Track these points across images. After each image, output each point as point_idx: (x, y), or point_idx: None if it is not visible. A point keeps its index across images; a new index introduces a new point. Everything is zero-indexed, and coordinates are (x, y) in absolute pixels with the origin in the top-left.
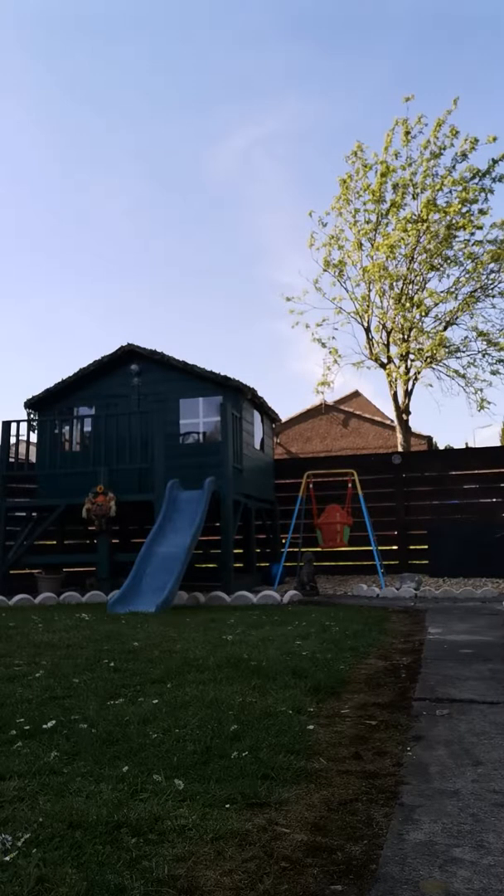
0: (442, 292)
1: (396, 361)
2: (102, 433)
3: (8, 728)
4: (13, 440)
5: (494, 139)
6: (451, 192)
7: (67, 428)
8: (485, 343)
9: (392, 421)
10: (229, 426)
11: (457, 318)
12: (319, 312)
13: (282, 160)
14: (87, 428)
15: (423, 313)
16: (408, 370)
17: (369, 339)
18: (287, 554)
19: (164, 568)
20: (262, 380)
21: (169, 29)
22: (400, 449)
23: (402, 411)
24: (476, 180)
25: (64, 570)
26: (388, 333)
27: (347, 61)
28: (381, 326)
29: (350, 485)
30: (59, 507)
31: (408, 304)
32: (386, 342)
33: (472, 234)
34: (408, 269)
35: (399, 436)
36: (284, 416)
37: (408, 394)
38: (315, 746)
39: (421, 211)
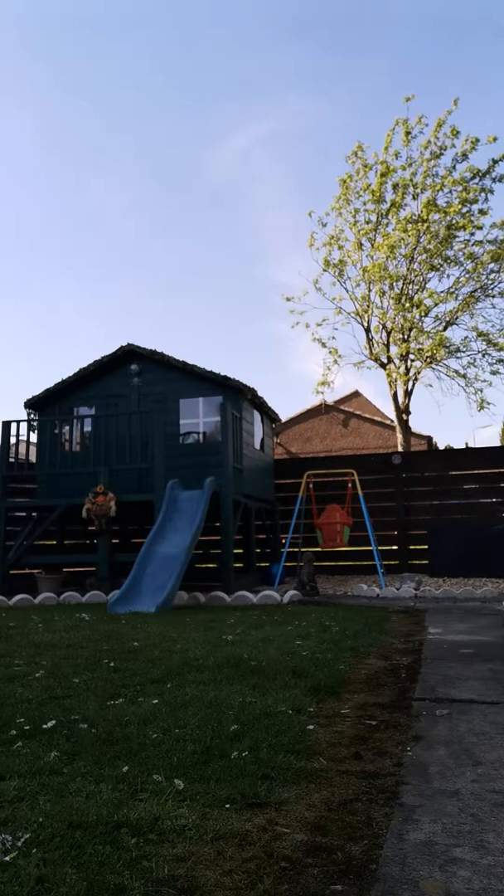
0: (442, 292)
1: (396, 361)
2: (102, 433)
3: (8, 728)
4: (13, 440)
5: (495, 139)
6: (451, 192)
7: (67, 428)
8: (485, 343)
9: (392, 421)
10: (229, 426)
11: (457, 318)
12: (319, 312)
13: (282, 160)
14: (87, 428)
15: (423, 313)
16: (408, 370)
17: (369, 339)
18: (287, 554)
19: (164, 568)
20: (262, 380)
21: (169, 29)
22: (400, 449)
23: (402, 411)
24: (476, 180)
25: (64, 570)
26: (388, 333)
27: (347, 61)
28: (381, 326)
29: (350, 485)
30: (59, 507)
31: (408, 305)
32: (386, 342)
33: (472, 234)
34: (408, 269)
35: (399, 436)
36: (284, 416)
37: (408, 394)
38: (315, 746)
39: (421, 211)
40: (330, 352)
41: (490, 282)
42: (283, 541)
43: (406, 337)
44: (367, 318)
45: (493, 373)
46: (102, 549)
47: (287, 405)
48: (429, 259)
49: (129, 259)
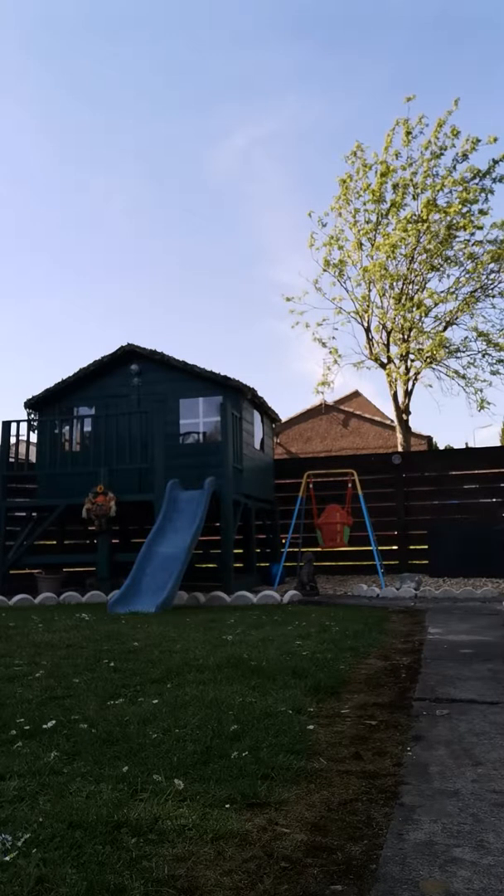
0: (442, 292)
1: (396, 361)
2: (102, 433)
3: (8, 728)
4: (13, 440)
5: (495, 140)
6: (451, 192)
7: (67, 428)
8: (485, 343)
9: (392, 421)
10: (229, 426)
11: (457, 318)
12: (319, 312)
13: (282, 160)
14: (87, 428)
15: (424, 313)
16: (408, 370)
17: (369, 339)
18: (287, 554)
19: (164, 568)
20: (262, 380)
21: (169, 29)
22: (400, 449)
23: (402, 411)
24: (476, 180)
25: (64, 570)
26: (388, 333)
27: (347, 61)
28: (381, 326)
29: (350, 485)
30: (59, 507)
31: (408, 304)
32: (386, 342)
33: (473, 234)
34: (408, 269)
35: (399, 436)
36: (284, 416)
37: (408, 394)
38: (315, 746)
39: (421, 211)
40: (330, 352)
41: (490, 282)
42: (283, 541)
43: (406, 337)
44: (367, 318)
45: (493, 373)
46: (102, 549)
47: (287, 405)
48: (429, 259)
49: (129, 259)
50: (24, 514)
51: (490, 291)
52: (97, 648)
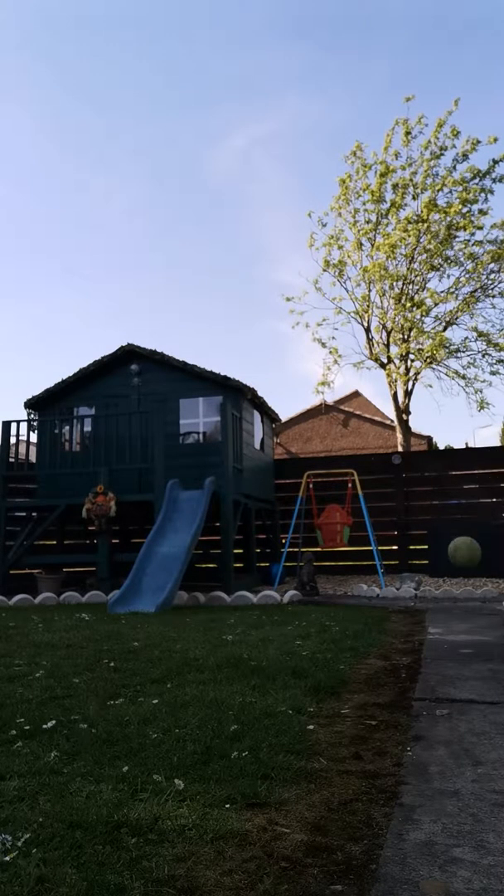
0: (442, 292)
1: (396, 361)
2: (102, 433)
3: (8, 728)
4: (13, 440)
5: (495, 140)
6: (451, 192)
7: (67, 428)
8: (485, 343)
9: (392, 421)
10: (229, 426)
11: (457, 318)
12: (319, 312)
13: (282, 160)
14: (87, 428)
15: (424, 313)
16: (408, 370)
17: (369, 339)
18: (287, 554)
19: (164, 568)
20: (262, 380)
21: (169, 29)
22: (400, 449)
23: (402, 411)
24: (476, 181)
25: (64, 570)
26: (388, 333)
27: (347, 61)
28: (381, 326)
29: (350, 485)
30: (59, 507)
31: (408, 304)
32: (386, 342)
33: (473, 234)
34: (408, 269)
35: (399, 436)
36: (284, 416)
37: (408, 394)
38: (315, 746)
39: (421, 211)
40: (330, 352)
41: (490, 282)
42: (283, 541)
43: (406, 337)
44: (367, 318)
45: (493, 373)
46: (102, 549)
47: (287, 405)
48: (429, 259)
49: (129, 259)
50: (24, 514)
51: (490, 291)
52: (97, 648)
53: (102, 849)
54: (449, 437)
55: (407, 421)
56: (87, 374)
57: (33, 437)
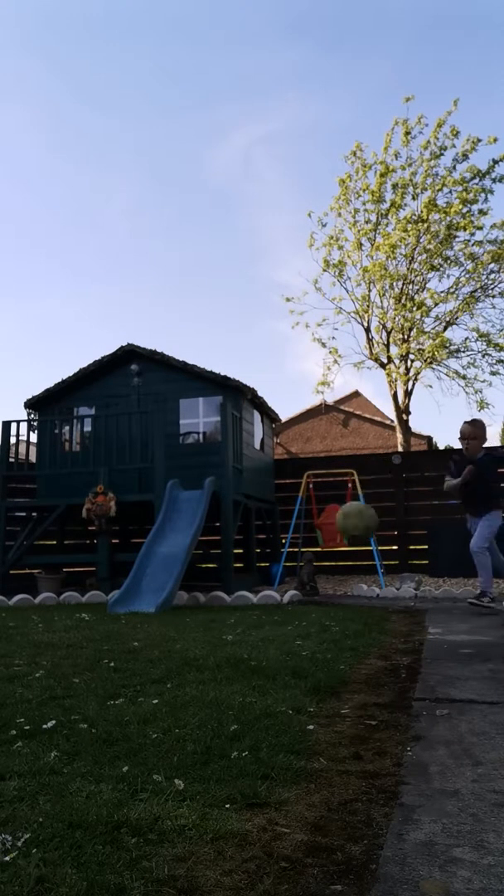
0: (442, 292)
1: (396, 362)
2: (102, 433)
3: (8, 728)
4: (13, 440)
5: (495, 140)
6: (451, 192)
7: (67, 428)
8: (485, 343)
9: (392, 421)
10: (229, 426)
11: (457, 318)
12: (319, 312)
13: (282, 160)
14: (87, 428)
15: (424, 313)
16: (408, 370)
17: (369, 339)
18: (287, 554)
19: (164, 568)
20: (262, 380)
21: (169, 29)
22: (400, 449)
23: (402, 411)
24: (476, 181)
25: (64, 570)
26: (389, 333)
27: (347, 61)
28: (381, 326)
29: (350, 485)
30: (59, 507)
31: (408, 305)
32: (386, 342)
33: (473, 234)
34: (408, 269)
35: (399, 436)
36: (284, 416)
37: (408, 394)
38: (315, 746)
39: (421, 211)
40: (330, 352)
41: (490, 282)
42: (283, 541)
43: (406, 337)
44: (367, 318)
45: (493, 373)
46: (102, 549)
47: (287, 405)
48: (429, 259)
49: (129, 259)
50: (24, 514)
51: (490, 291)
52: (97, 648)
53: (102, 849)
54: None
55: (407, 421)
56: (87, 374)
57: (33, 437)
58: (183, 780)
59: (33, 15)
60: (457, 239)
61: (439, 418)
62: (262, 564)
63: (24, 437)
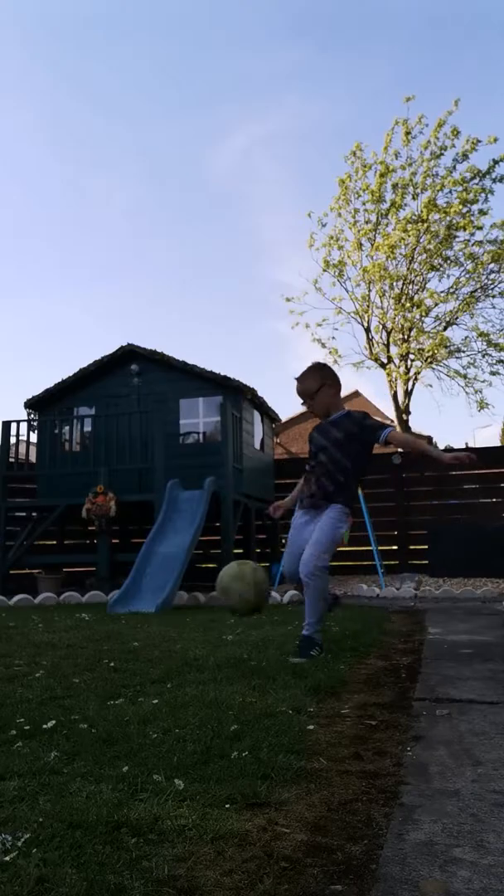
0: (442, 292)
1: (396, 361)
2: (102, 433)
3: (8, 728)
4: (13, 440)
5: (495, 140)
6: (451, 192)
7: (67, 428)
8: (485, 343)
9: (392, 421)
10: (229, 426)
11: (457, 318)
12: (319, 312)
13: (282, 160)
14: (87, 428)
15: (424, 313)
16: (408, 370)
17: (369, 340)
18: None
19: (164, 568)
20: (262, 380)
21: (169, 29)
22: (400, 449)
23: (403, 411)
24: (476, 181)
25: (64, 570)
26: (389, 333)
27: (347, 61)
28: (381, 326)
29: None
30: (59, 507)
31: (408, 305)
32: (386, 342)
33: (473, 234)
34: (408, 269)
35: None
36: (284, 416)
37: (408, 394)
38: (315, 746)
39: (421, 211)
40: (330, 352)
41: (490, 282)
42: (283, 541)
43: (406, 337)
44: (367, 319)
45: (493, 373)
46: (102, 549)
47: (287, 405)
48: (429, 259)
49: (129, 259)
50: (24, 514)
51: (490, 291)
52: (97, 648)
53: (102, 849)
54: (449, 437)
55: (407, 421)
56: (87, 374)
57: (33, 437)
58: (183, 780)
59: (33, 15)
60: (457, 239)
61: (439, 418)
62: (263, 564)
63: (24, 437)
